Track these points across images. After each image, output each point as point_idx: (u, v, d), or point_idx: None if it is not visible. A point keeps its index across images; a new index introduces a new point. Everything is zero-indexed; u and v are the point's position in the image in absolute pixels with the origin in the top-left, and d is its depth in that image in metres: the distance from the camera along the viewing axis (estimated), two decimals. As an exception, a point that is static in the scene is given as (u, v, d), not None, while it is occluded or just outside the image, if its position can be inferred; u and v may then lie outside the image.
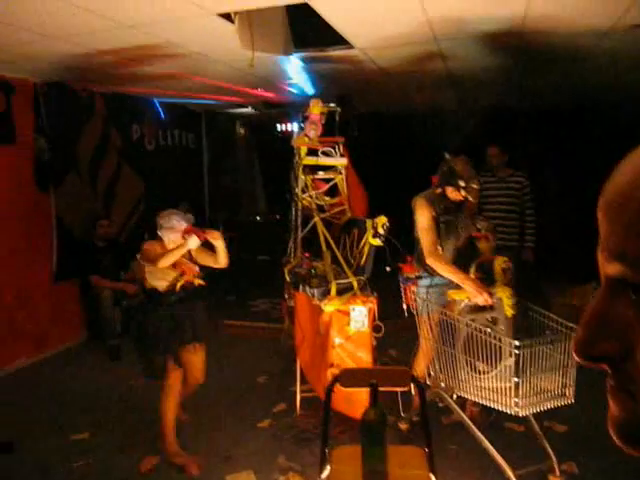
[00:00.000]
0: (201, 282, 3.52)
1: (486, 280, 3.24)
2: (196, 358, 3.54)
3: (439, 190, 3.44)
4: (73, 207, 5.70)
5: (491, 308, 3.08)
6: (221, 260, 3.51)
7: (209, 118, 8.52)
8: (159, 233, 3.48)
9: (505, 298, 3.07)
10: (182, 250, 3.34)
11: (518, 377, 2.71)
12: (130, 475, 3.33)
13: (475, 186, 3.32)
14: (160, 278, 3.42)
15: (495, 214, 5.12)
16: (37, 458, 3.53)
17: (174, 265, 3.40)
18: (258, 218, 8.34)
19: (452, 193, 3.40)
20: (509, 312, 3.00)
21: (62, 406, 4.30)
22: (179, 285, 3.41)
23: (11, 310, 5.03)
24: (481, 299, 3.11)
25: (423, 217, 3.44)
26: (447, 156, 3.41)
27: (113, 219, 6.20)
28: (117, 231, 6.34)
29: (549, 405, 2.84)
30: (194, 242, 3.36)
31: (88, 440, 3.76)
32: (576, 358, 0.53)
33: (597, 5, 3.37)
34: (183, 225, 3.46)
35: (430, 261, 3.37)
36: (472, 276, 3.23)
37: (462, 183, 3.29)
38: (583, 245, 7.44)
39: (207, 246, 3.55)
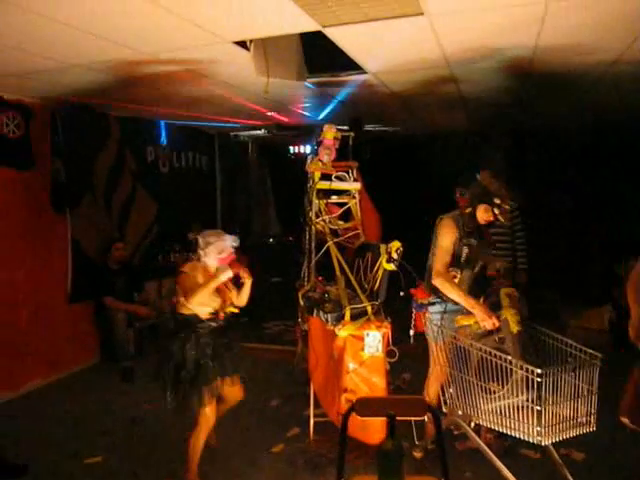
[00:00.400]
0: (235, 310, 3.53)
1: (495, 306, 3.24)
2: (234, 390, 3.55)
3: (469, 210, 3.41)
4: (88, 229, 5.76)
5: (498, 330, 3.08)
6: (243, 299, 3.58)
7: (222, 140, 8.60)
8: (201, 253, 3.42)
9: (509, 316, 3.09)
10: (215, 284, 3.30)
11: (540, 405, 2.69)
12: (143, 500, 3.32)
13: (507, 207, 3.32)
14: (205, 304, 3.37)
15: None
16: (51, 482, 3.53)
17: (218, 291, 3.40)
18: (271, 240, 8.36)
19: (484, 213, 3.37)
20: (514, 328, 3.00)
21: (76, 429, 4.31)
22: (223, 314, 3.42)
23: (26, 331, 5.07)
24: (489, 323, 3.11)
25: (445, 238, 3.43)
26: (478, 176, 3.41)
27: (127, 241, 6.26)
28: (131, 253, 6.39)
29: (572, 433, 2.82)
30: (226, 275, 3.33)
31: (102, 464, 3.76)
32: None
33: (606, 35, 3.39)
34: (230, 250, 3.41)
35: (438, 281, 3.36)
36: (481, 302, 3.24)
37: (497, 201, 3.29)
38: (598, 268, 7.41)
39: None
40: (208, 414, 3.34)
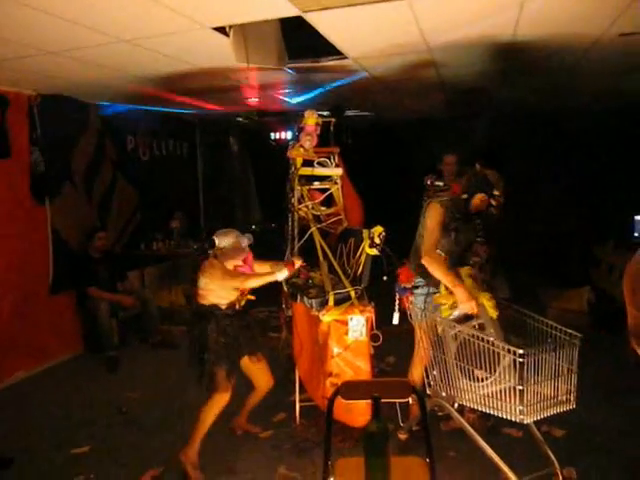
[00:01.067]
0: (252, 297, 3.72)
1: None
2: (259, 366, 3.73)
3: (465, 196, 3.44)
4: (69, 219, 5.70)
5: (475, 317, 3.13)
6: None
7: (203, 127, 8.55)
8: (218, 253, 3.51)
9: (485, 301, 3.14)
10: (270, 279, 3.53)
11: (522, 385, 2.74)
12: (131, 488, 3.33)
13: (501, 200, 3.38)
14: (223, 297, 3.54)
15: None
16: (37, 473, 3.53)
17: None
18: (253, 227, 8.34)
19: (480, 201, 3.41)
20: (493, 313, 3.05)
21: (61, 419, 4.30)
22: (241, 303, 3.62)
23: (8, 323, 5.02)
24: (469, 307, 3.15)
25: (433, 220, 3.46)
26: (477, 166, 3.45)
27: (109, 230, 6.21)
28: (112, 242, 6.35)
29: (552, 411, 2.88)
30: (283, 275, 3.56)
31: (88, 454, 3.77)
32: None
33: (587, 13, 3.42)
34: (246, 249, 3.56)
35: (426, 260, 3.38)
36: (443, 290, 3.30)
37: (497, 192, 3.35)
38: (577, 250, 7.52)
39: None
40: (221, 394, 3.46)
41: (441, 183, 5.17)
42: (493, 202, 3.37)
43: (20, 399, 4.71)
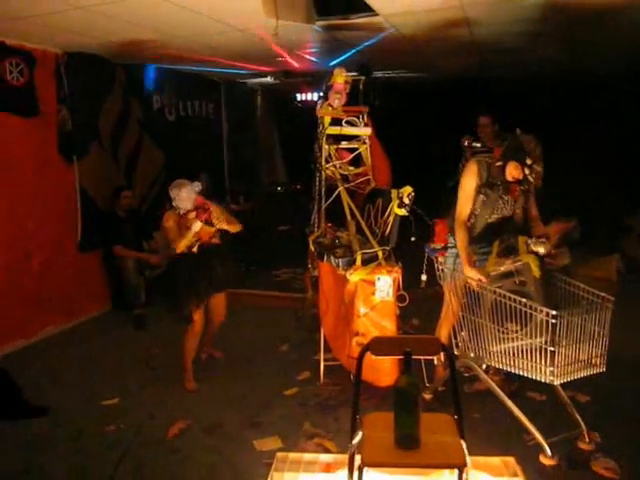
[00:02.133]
0: (217, 240, 4.17)
1: (509, 249, 3.24)
2: (217, 301, 4.22)
3: (500, 163, 3.33)
4: (96, 178, 5.74)
5: (517, 273, 3.08)
6: (232, 229, 4.21)
7: (228, 88, 8.48)
8: (174, 204, 4.05)
9: (532, 261, 3.08)
10: (190, 235, 3.99)
11: (553, 346, 2.73)
12: (159, 439, 3.41)
13: (539, 168, 3.22)
14: (189, 246, 4.09)
15: None
16: (70, 423, 3.63)
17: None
18: (278, 188, 8.33)
19: (514, 170, 3.27)
20: (537, 273, 3.00)
21: (91, 373, 4.40)
22: (194, 248, 4.05)
23: (39, 279, 5.12)
24: (474, 283, 3.15)
25: (468, 182, 3.39)
26: (518, 131, 3.30)
27: (135, 189, 6.25)
28: (139, 202, 6.39)
29: (582, 374, 2.88)
30: (197, 226, 3.98)
31: (118, 405, 3.86)
32: None
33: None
34: (192, 196, 4.02)
35: (455, 226, 3.39)
36: (495, 250, 3.23)
37: (529, 161, 3.19)
38: (608, 218, 7.38)
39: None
40: (194, 324, 4.03)
41: (479, 144, 5.09)
42: (527, 171, 3.21)
43: (51, 353, 4.83)
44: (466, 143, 5.41)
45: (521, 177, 3.26)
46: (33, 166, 5.08)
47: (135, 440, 3.39)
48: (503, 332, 2.95)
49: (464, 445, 1.99)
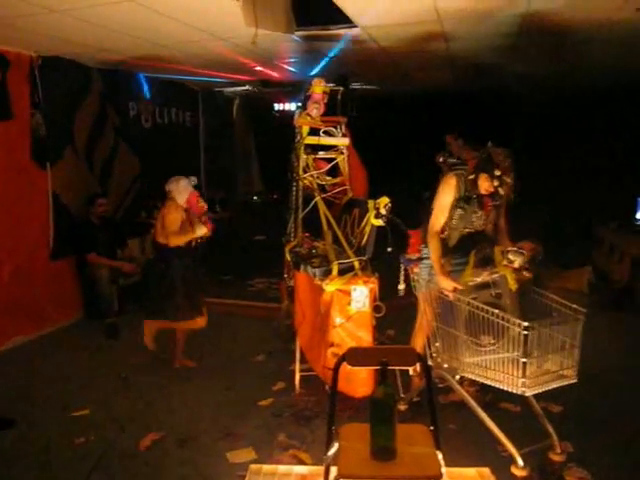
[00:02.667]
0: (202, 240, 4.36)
1: (485, 261, 3.27)
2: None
3: (472, 176, 3.35)
4: (70, 184, 5.65)
5: (494, 285, 3.11)
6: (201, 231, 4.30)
7: (206, 96, 8.46)
8: (171, 196, 4.26)
9: (508, 274, 3.11)
10: (192, 236, 4.22)
11: (526, 357, 2.75)
12: (131, 451, 3.34)
13: (509, 180, 3.21)
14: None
15: None
16: (38, 434, 3.54)
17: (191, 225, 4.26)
18: (255, 198, 8.31)
19: (484, 182, 3.29)
20: (513, 286, 3.03)
21: (61, 383, 4.30)
22: (193, 244, 4.28)
23: (9, 287, 5.00)
24: (450, 294, 3.17)
25: (446, 196, 3.41)
26: (489, 144, 3.32)
27: (110, 196, 6.17)
28: (113, 209, 6.30)
29: (554, 385, 2.90)
30: (201, 232, 4.22)
31: (89, 416, 3.78)
32: None
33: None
34: (189, 189, 4.27)
35: (428, 239, 3.42)
36: (471, 260, 3.25)
37: (497, 172, 3.19)
38: (578, 230, 7.50)
39: None
40: (194, 320, 4.33)
41: (453, 159, 5.20)
42: (496, 183, 3.22)
43: (20, 363, 4.71)
44: (441, 159, 5.58)
45: (492, 190, 3.28)
46: (4, 171, 4.97)
47: (106, 452, 3.32)
48: (477, 344, 2.96)
49: (440, 456, 1.99)
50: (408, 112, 8.46)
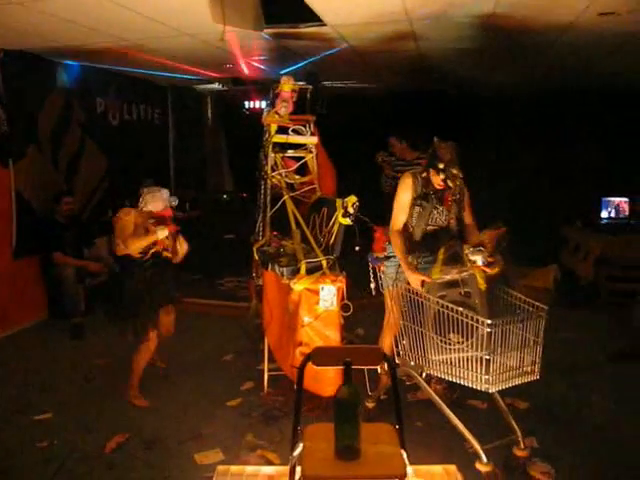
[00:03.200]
0: (168, 255, 3.92)
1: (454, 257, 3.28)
2: (169, 317, 4.06)
3: (424, 174, 3.38)
4: (34, 182, 5.53)
5: (463, 283, 3.12)
6: (177, 256, 3.99)
7: (175, 94, 8.36)
8: (141, 201, 3.84)
9: (477, 273, 3.12)
10: (151, 239, 3.77)
11: (489, 354, 2.77)
12: (96, 454, 3.28)
13: (455, 171, 3.23)
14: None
15: None
16: (0, 440, 3.45)
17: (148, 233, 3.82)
18: (225, 196, 8.23)
19: (434, 177, 3.31)
20: (482, 285, 3.04)
21: (23, 386, 4.21)
22: (150, 252, 3.82)
23: (-31, 288, 4.88)
24: (417, 287, 3.18)
25: (402, 194, 3.43)
26: (435, 140, 3.34)
27: (76, 195, 6.05)
28: (80, 207, 6.19)
29: (517, 381, 2.92)
30: (162, 233, 3.78)
31: (52, 420, 3.70)
32: None
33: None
34: (166, 203, 3.90)
35: (390, 237, 3.44)
36: (440, 257, 3.26)
37: (441, 165, 3.21)
38: (545, 230, 7.63)
39: None
40: (149, 341, 3.86)
41: (392, 157, 5.36)
42: (441, 176, 3.25)
43: (-20, 365, 4.60)
44: (380, 159, 5.79)
45: (442, 185, 3.30)
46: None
47: (70, 455, 3.25)
48: (446, 342, 2.97)
49: (405, 455, 1.99)
50: (380, 110, 8.47)
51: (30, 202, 5.50)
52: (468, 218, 3.59)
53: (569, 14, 3.86)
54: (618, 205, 6.68)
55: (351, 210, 3.52)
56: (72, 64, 5.91)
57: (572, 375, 4.36)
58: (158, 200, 3.86)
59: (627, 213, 6.62)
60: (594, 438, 3.45)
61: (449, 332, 2.93)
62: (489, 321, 2.71)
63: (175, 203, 3.99)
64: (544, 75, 6.82)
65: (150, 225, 3.79)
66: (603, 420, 3.69)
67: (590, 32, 4.36)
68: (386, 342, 3.65)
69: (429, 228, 3.48)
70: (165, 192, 3.94)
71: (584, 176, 7.89)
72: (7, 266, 5.29)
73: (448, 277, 3.16)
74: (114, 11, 3.76)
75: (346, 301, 3.54)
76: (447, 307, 2.94)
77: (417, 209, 3.42)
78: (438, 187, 3.36)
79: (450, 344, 2.90)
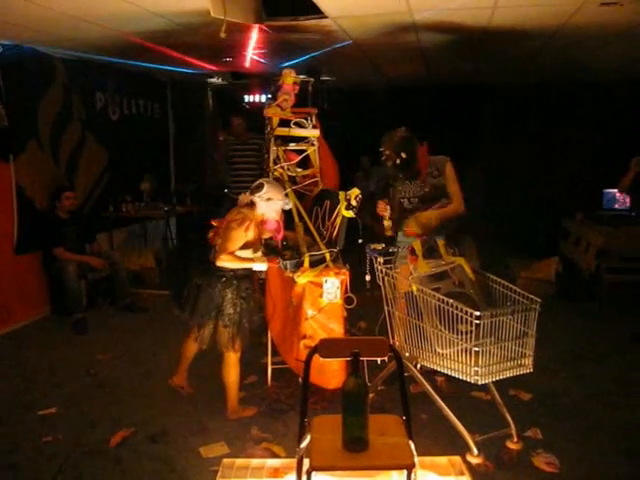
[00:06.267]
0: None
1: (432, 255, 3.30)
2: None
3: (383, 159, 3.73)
4: (34, 177, 5.52)
5: (453, 273, 3.12)
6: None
7: (175, 88, 8.34)
8: (256, 197, 3.37)
9: (464, 263, 3.13)
10: (247, 265, 3.41)
11: (478, 346, 2.75)
12: (101, 449, 3.28)
13: (387, 152, 3.62)
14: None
15: (241, 167, 6.44)
16: (4, 434, 3.45)
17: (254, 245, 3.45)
18: (226, 190, 8.21)
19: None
20: (471, 274, 3.05)
21: (28, 381, 4.21)
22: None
23: (-29, 284, 4.88)
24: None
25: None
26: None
27: (77, 190, 6.04)
28: (81, 202, 6.18)
29: (508, 374, 2.88)
30: (261, 267, 3.44)
31: (56, 415, 3.70)
32: None
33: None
34: (280, 211, 3.45)
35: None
36: (419, 252, 3.29)
37: (380, 149, 3.59)
38: (547, 222, 7.63)
39: None
40: (236, 353, 3.57)
41: None
42: (383, 157, 3.64)
43: (-17, 361, 4.60)
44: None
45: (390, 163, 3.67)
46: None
47: (75, 450, 3.25)
48: (456, 333, 2.94)
49: (412, 446, 1.99)
50: (382, 104, 8.48)
51: (31, 197, 5.49)
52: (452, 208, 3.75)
53: (571, 3, 3.84)
54: (619, 197, 6.67)
55: (354, 203, 3.52)
56: (71, 59, 5.88)
57: (576, 366, 4.37)
58: (278, 208, 3.42)
59: (628, 205, 6.61)
60: (598, 429, 3.46)
61: (451, 325, 2.90)
62: (477, 313, 2.68)
63: (289, 207, 3.54)
64: (546, 66, 6.80)
65: (257, 241, 3.45)
66: (607, 411, 3.69)
67: (592, 22, 4.34)
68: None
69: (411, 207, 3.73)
70: (281, 194, 3.44)
71: (585, 168, 7.90)
72: (9, 262, 5.28)
73: (438, 270, 3.17)
74: (114, 4, 3.74)
75: (349, 294, 3.55)
76: (440, 299, 2.91)
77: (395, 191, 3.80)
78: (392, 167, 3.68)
79: (459, 335, 2.85)
